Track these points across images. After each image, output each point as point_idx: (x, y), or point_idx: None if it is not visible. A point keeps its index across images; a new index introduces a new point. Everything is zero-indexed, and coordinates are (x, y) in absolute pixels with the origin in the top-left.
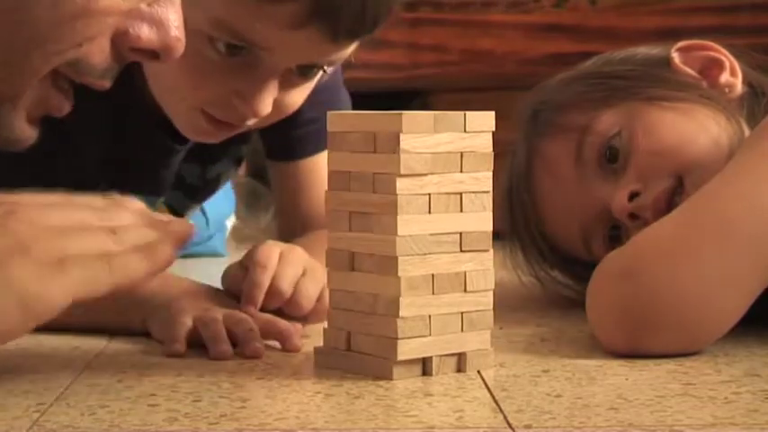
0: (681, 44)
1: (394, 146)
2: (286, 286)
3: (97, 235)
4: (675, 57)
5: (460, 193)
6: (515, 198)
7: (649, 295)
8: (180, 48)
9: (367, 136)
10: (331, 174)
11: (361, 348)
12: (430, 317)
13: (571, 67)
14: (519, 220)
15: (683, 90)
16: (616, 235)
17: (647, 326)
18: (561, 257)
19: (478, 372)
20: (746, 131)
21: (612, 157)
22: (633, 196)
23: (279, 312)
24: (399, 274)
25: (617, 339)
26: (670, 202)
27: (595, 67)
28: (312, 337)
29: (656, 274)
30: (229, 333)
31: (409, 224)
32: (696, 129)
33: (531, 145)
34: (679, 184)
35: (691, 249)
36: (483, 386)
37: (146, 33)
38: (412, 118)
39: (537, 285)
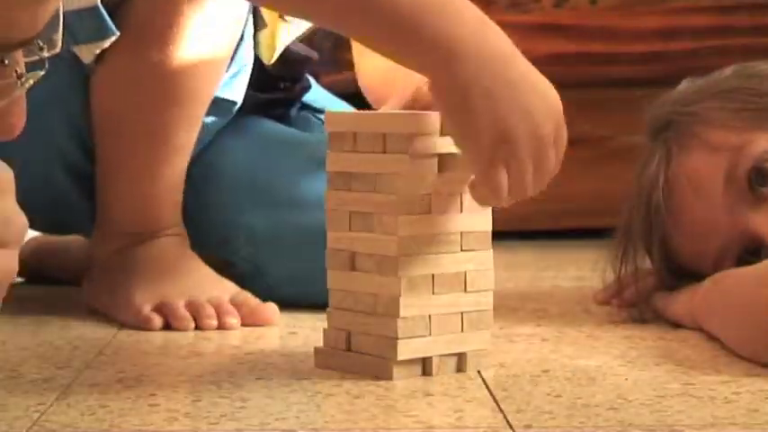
0: None
1: (401, 146)
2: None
3: None
4: None
5: (460, 194)
6: (643, 203)
7: None
8: None
9: (374, 137)
10: (331, 174)
11: (361, 348)
12: (430, 317)
13: (571, 66)
14: (637, 224)
15: None
16: (747, 260)
17: None
18: (670, 267)
19: (478, 372)
20: None
21: (762, 181)
22: None
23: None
24: (399, 274)
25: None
26: None
27: (738, 81)
28: (311, 336)
29: None
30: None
31: (409, 224)
32: None
33: (671, 155)
34: None
35: None
36: (483, 386)
37: None
38: (419, 119)
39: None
